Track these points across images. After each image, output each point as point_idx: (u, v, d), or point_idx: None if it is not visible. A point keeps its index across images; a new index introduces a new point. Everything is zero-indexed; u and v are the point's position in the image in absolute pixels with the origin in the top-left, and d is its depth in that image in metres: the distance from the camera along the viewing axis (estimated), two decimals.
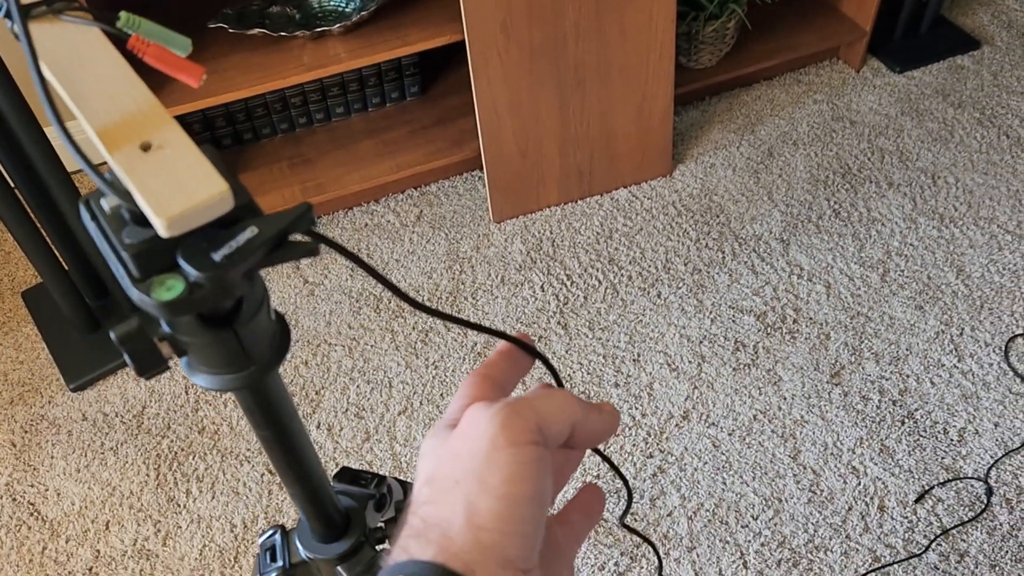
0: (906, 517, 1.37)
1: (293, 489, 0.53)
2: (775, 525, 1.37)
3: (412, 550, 0.34)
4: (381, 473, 0.64)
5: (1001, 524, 1.35)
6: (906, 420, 1.48)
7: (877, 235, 1.77)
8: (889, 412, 1.49)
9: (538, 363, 0.43)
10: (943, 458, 1.43)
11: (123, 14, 0.39)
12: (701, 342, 1.61)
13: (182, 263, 0.35)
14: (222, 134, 1.88)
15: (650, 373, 1.57)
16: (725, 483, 1.42)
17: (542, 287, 1.73)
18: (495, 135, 1.71)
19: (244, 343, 0.41)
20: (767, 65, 2.04)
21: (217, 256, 0.35)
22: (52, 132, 1.50)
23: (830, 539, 1.35)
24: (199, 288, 0.35)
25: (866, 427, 1.48)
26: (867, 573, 1.31)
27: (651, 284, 1.72)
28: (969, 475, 1.41)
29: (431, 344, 1.65)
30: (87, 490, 1.49)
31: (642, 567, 1.34)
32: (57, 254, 1.58)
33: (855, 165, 1.92)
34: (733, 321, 1.64)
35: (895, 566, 1.32)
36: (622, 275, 1.73)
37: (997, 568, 1.31)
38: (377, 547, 0.61)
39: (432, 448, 0.37)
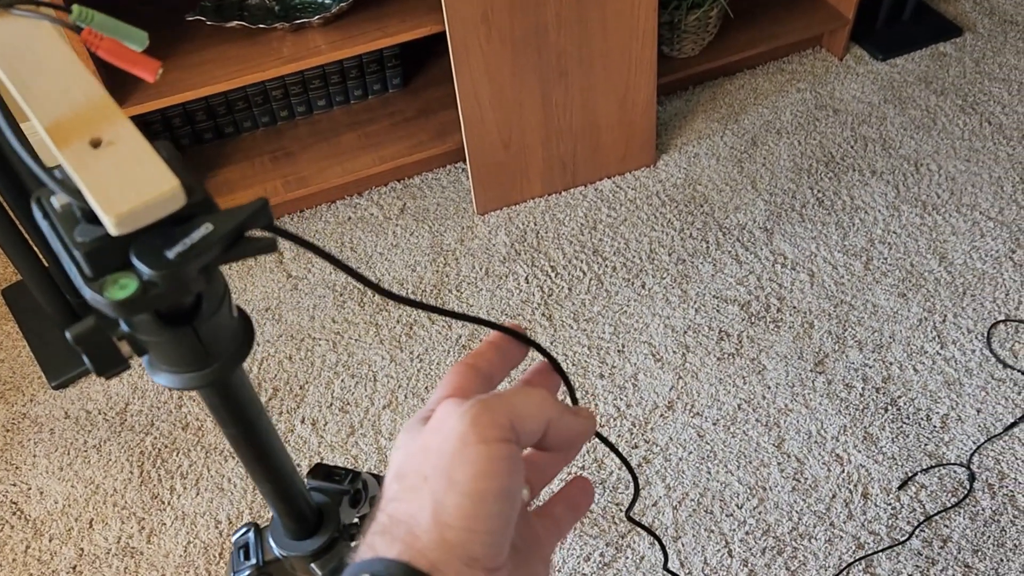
0: (889, 504, 1.38)
1: (263, 487, 0.53)
2: (759, 513, 1.38)
3: (378, 547, 0.34)
4: (356, 469, 0.64)
5: (983, 509, 1.36)
6: (889, 407, 1.49)
7: (860, 223, 1.77)
8: (872, 399, 1.50)
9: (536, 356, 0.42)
10: (926, 444, 1.44)
11: (75, 7, 0.39)
12: (685, 332, 1.61)
13: (135, 261, 0.34)
14: (202, 128, 1.86)
15: (635, 364, 1.57)
16: (710, 472, 1.43)
17: (526, 279, 1.72)
18: (478, 127, 1.71)
19: (204, 340, 0.40)
20: (750, 54, 2.04)
21: (171, 254, 0.34)
22: (28, 126, 1.48)
23: (814, 527, 1.36)
24: (153, 286, 0.34)
25: (850, 415, 1.48)
26: (852, 562, 1.32)
27: (635, 275, 1.71)
28: (952, 461, 1.42)
29: (416, 337, 1.64)
30: (70, 488, 1.48)
31: (627, 557, 1.34)
32: (36, 250, 1.56)
33: (838, 153, 1.92)
34: (717, 311, 1.64)
35: (879, 554, 1.32)
36: (606, 266, 1.73)
37: (980, 553, 1.32)
38: (352, 543, 0.60)
39: (404, 443, 0.37)
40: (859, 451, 1.44)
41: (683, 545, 1.35)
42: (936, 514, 1.36)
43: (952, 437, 1.45)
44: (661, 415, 1.50)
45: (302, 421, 1.54)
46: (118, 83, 1.61)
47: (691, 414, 1.50)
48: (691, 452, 1.45)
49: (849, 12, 2.05)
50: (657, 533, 1.36)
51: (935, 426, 1.46)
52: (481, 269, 1.75)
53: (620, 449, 1.46)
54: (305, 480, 0.62)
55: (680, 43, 1.96)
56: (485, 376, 0.40)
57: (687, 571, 1.33)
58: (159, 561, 1.38)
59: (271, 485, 0.53)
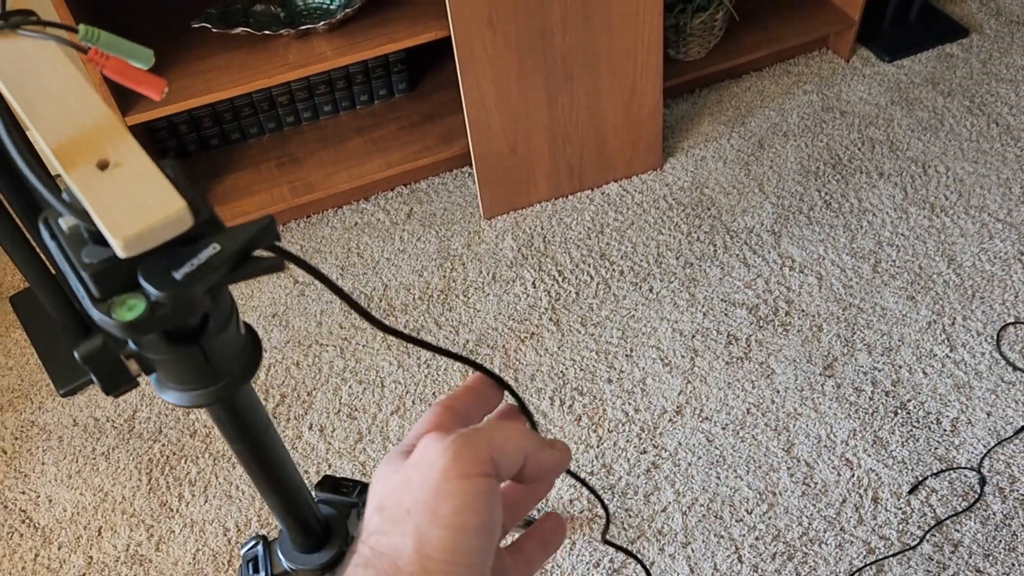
0: (900, 508, 1.37)
1: (271, 500, 0.53)
2: (769, 519, 1.37)
3: None
4: (364, 481, 0.63)
5: (995, 514, 1.35)
6: (899, 411, 1.48)
7: (868, 226, 1.77)
8: (882, 403, 1.49)
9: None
10: (936, 448, 1.43)
11: (81, 27, 0.38)
12: (694, 336, 1.61)
13: (143, 282, 0.34)
14: (209, 134, 1.87)
15: (643, 368, 1.57)
16: (719, 477, 1.42)
17: (534, 283, 1.72)
18: (484, 131, 1.70)
19: (211, 359, 0.40)
20: (756, 56, 2.03)
21: (178, 275, 0.34)
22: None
23: (824, 532, 1.35)
24: (160, 307, 0.34)
25: (859, 419, 1.47)
26: (863, 567, 1.31)
27: (643, 279, 1.71)
28: (962, 465, 1.41)
29: None
30: (79, 496, 1.49)
31: (636, 564, 1.34)
32: (43, 258, 1.56)
33: (845, 156, 1.91)
34: (725, 314, 1.64)
35: (890, 559, 1.32)
36: (614, 270, 1.73)
37: (991, 558, 1.31)
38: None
39: (385, 476, 0.37)
40: (869, 455, 1.43)
41: (693, 551, 1.35)
42: (947, 518, 1.35)
43: (962, 441, 1.44)
44: (670, 420, 1.50)
45: (310, 427, 1.54)
46: (125, 91, 1.61)
47: (700, 419, 1.49)
48: (700, 457, 1.45)
49: (855, 14, 2.04)
50: (663, 538, 1.36)
51: (945, 430, 1.45)
52: (488, 274, 1.75)
53: (628, 454, 1.46)
54: (313, 493, 0.62)
55: (686, 46, 1.96)
56: (462, 417, 0.41)
57: None
58: (168, 569, 1.39)
59: (279, 499, 0.53)
